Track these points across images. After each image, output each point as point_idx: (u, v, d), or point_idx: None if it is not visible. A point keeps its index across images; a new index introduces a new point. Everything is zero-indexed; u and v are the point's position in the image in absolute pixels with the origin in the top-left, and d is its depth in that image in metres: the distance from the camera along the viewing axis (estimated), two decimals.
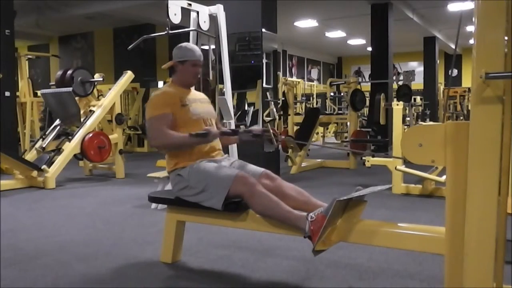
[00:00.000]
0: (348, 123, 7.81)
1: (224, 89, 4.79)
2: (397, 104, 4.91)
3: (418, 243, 1.95)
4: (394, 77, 10.67)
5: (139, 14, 11.38)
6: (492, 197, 1.51)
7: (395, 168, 4.60)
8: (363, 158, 5.28)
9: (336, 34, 15.17)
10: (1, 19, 7.05)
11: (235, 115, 5.25)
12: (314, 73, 20.14)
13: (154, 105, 2.52)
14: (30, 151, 5.91)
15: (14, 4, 7.53)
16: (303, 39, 15.87)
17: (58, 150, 5.73)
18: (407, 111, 8.25)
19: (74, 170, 6.57)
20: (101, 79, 6.53)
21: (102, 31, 13.95)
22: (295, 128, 8.55)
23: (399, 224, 2.08)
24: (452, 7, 11.43)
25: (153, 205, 4.08)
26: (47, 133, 6.00)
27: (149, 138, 2.56)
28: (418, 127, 1.83)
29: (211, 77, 5.30)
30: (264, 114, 6.29)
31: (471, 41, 1.82)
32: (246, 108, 6.32)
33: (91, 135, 5.74)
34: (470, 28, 8.92)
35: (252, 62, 5.87)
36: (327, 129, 13.16)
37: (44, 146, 5.73)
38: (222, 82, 4.78)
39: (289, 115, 9.00)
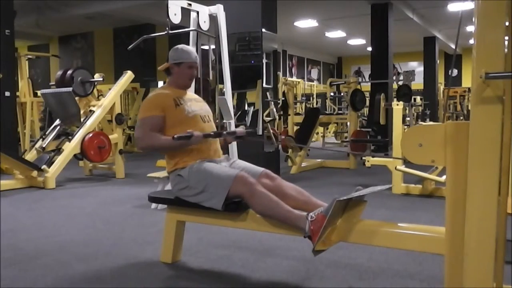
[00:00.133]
0: (348, 123, 7.81)
1: (224, 89, 4.79)
2: (397, 104, 4.91)
3: (418, 243, 1.95)
4: (394, 77, 10.67)
5: (139, 14, 11.38)
6: (492, 197, 1.51)
7: (395, 168, 4.60)
8: (363, 158, 5.29)
9: (336, 34, 15.17)
10: (1, 19, 7.05)
11: (235, 115, 5.25)
12: (314, 73, 20.14)
13: (144, 107, 2.56)
14: (30, 151, 5.91)
15: (14, 4, 7.53)
16: (303, 39, 15.87)
17: (58, 150, 5.73)
18: (407, 111, 8.26)
19: (74, 170, 6.57)
20: (101, 79, 6.53)
21: (102, 31, 13.95)
22: (295, 128, 8.55)
23: (399, 224, 2.08)
24: (452, 7, 11.43)
25: (153, 205, 4.08)
26: (47, 133, 6.00)
27: (135, 139, 2.60)
28: (418, 127, 1.83)
29: (211, 77, 5.31)
30: (264, 114, 6.29)
31: (471, 41, 1.82)
32: (246, 108, 6.32)
33: (91, 135, 5.74)
34: (470, 28, 8.93)
35: (252, 62, 5.87)
36: (327, 129, 13.16)
37: (44, 146, 5.73)
38: (222, 82, 4.77)
39: (289, 115, 9.00)
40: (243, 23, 5.80)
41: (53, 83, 6.69)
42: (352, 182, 5.58)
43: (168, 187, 3.89)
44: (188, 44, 4.53)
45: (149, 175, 4.33)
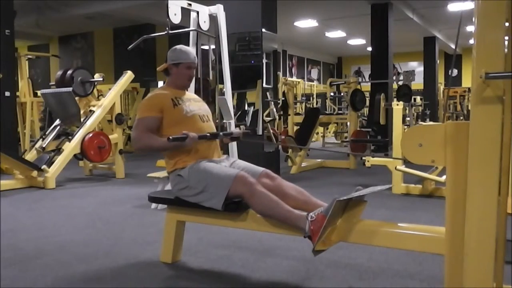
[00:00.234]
0: (348, 123, 7.81)
1: (224, 89, 4.79)
2: (397, 104, 4.91)
3: (418, 243, 1.95)
4: (394, 77, 10.67)
5: (139, 14, 11.38)
6: (492, 197, 1.51)
7: (395, 168, 4.60)
8: (363, 158, 5.29)
9: (336, 34, 15.17)
10: (1, 19, 7.05)
11: (235, 115, 5.25)
12: (314, 73, 20.14)
13: (142, 108, 2.57)
14: (30, 151, 5.91)
15: (14, 4, 7.53)
16: (303, 39, 15.87)
17: (58, 150, 5.73)
18: (407, 111, 8.26)
19: (74, 170, 6.57)
20: (101, 79, 6.53)
21: (102, 31, 13.95)
22: (295, 128, 8.55)
23: (399, 224, 2.08)
24: (452, 7, 11.43)
25: (153, 205, 4.08)
26: (47, 133, 6.00)
27: (131, 139, 2.59)
28: (418, 127, 1.83)
29: (211, 77, 5.31)
30: (264, 114, 6.29)
31: (471, 41, 1.82)
32: (246, 108, 6.32)
33: (91, 135, 5.74)
34: (470, 28, 8.93)
35: (252, 62, 5.87)
36: (327, 129, 13.16)
37: (44, 146, 5.73)
38: (222, 82, 4.77)
39: (289, 115, 9.00)
40: (243, 23, 5.80)
41: (53, 83, 6.69)
42: (352, 182, 5.58)
43: (168, 187, 3.89)
44: (188, 44, 4.54)
45: (149, 175, 4.33)
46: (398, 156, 4.56)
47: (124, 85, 6.43)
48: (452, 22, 12.95)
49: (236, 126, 5.01)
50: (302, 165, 6.80)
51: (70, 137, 5.78)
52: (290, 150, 6.72)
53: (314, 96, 15.48)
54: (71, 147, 5.65)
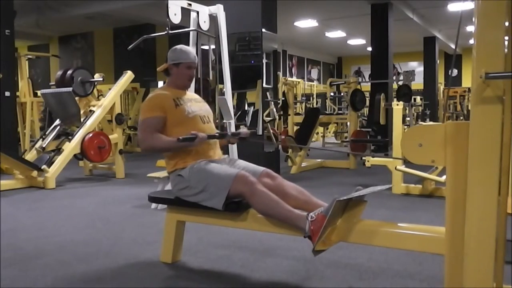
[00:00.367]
0: (348, 123, 7.80)
1: (224, 89, 4.79)
2: (397, 104, 4.91)
3: (418, 243, 1.95)
4: (394, 77, 10.67)
5: (139, 14, 11.38)
6: (492, 197, 1.51)
7: (395, 168, 4.60)
8: (363, 158, 5.29)
9: (336, 34, 15.17)
10: (1, 19, 7.05)
11: (235, 115, 5.25)
12: (314, 73, 20.14)
13: (146, 108, 2.56)
14: (30, 151, 5.91)
15: (14, 4, 7.53)
16: (303, 39, 15.87)
17: (58, 150, 5.73)
18: (407, 111, 8.25)
19: (74, 170, 6.57)
20: (101, 79, 6.53)
21: (102, 31, 13.96)
22: (295, 128, 8.55)
23: (399, 224, 2.08)
24: (452, 7, 11.43)
25: (153, 205, 4.08)
26: (47, 133, 6.00)
27: (138, 140, 2.58)
28: (418, 127, 1.83)
29: (211, 77, 5.31)
30: (264, 114, 6.29)
31: (471, 41, 1.82)
32: (246, 108, 6.32)
33: (91, 135, 5.74)
34: (470, 28, 8.92)
35: (252, 62, 5.87)
36: (327, 129, 13.16)
37: (44, 146, 5.73)
38: (222, 82, 4.77)
39: (289, 115, 9.00)
40: (243, 23, 5.80)
41: (53, 83, 6.69)
42: (352, 182, 5.58)
43: (168, 187, 3.89)
44: (188, 44, 4.54)
45: (149, 175, 4.33)
46: (398, 156, 4.56)
47: (124, 85, 6.43)
48: (452, 22, 12.95)
49: (236, 126, 5.01)
50: (302, 165, 6.80)
51: (70, 137, 5.78)
52: (290, 150, 6.72)
53: (314, 96, 15.48)
54: (71, 147, 5.65)
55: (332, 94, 15.01)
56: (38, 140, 6.01)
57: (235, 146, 4.62)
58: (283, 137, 7.84)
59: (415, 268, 2.50)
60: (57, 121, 6.02)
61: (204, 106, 2.75)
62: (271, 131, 6.64)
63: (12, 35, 7.25)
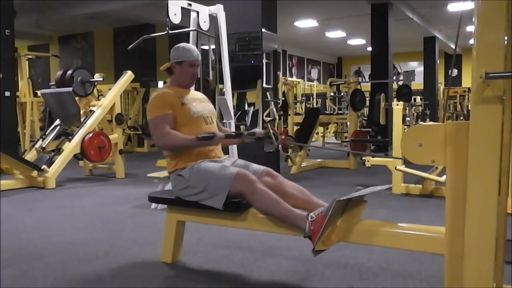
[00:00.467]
0: (348, 123, 7.81)
1: (224, 89, 4.79)
2: (397, 104, 4.91)
3: (418, 243, 1.95)
4: (394, 77, 10.67)
5: (139, 14, 11.38)
6: (492, 197, 1.51)
7: (395, 168, 4.60)
8: (363, 158, 5.29)
9: (336, 34, 15.17)
10: (1, 19, 7.05)
11: (235, 115, 5.25)
12: (314, 73, 20.14)
13: (155, 106, 2.52)
14: (30, 151, 5.91)
15: (14, 4, 7.53)
16: (303, 39, 15.87)
17: (58, 150, 5.73)
18: (407, 111, 8.25)
19: (74, 170, 6.57)
20: (101, 79, 6.54)
21: (102, 31, 13.95)
22: (295, 128, 8.55)
23: (399, 224, 2.08)
24: (452, 7, 11.43)
25: (153, 205, 4.08)
26: (47, 133, 6.00)
27: (154, 139, 2.54)
28: (418, 127, 1.83)
29: (211, 77, 5.31)
30: (264, 114, 6.29)
31: (471, 41, 1.82)
32: (246, 108, 6.32)
33: (91, 135, 5.74)
34: (470, 28, 8.93)
35: (252, 62, 5.87)
36: (327, 129, 13.16)
37: (44, 146, 5.73)
38: (222, 82, 4.78)
39: (289, 115, 9.00)
40: (243, 23, 5.79)
41: (53, 83, 6.69)
42: (352, 182, 5.58)
43: (168, 187, 3.89)
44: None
45: (149, 175, 4.32)
46: (398, 156, 4.56)
47: (124, 85, 6.43)
48: (452, 22, 12.95)
49: (236, 126, 5.01)
50: (302, 165, 6.80)
51: (70, 137, 5.78)
52: (290, 150, 6.72)
53: (314, 96, 15.48)
54: (71, 147, 5.65)
55: (332, 94, 15.01)
56: (38, 140, 6.01)
57: (235, 146, 4.62)
58: (283, 137, 7.84)
59: (415, 268, 2.50)
60: (57, 121, 6.02)
61: (208, 106, 2.73)
62: (271, 131, 6.64)
63: (12, 35, 7.25)
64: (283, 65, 17.22)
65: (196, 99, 2.68)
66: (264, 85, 5.96)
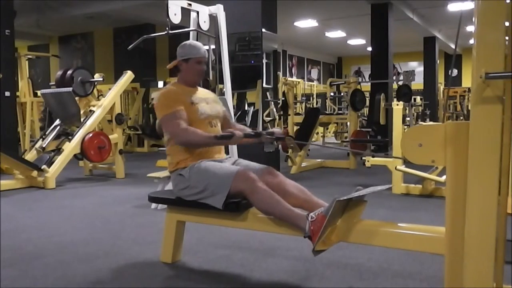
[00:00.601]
0: (348, 123, 7.81)
1: (224, 89, 4.79)
2: (397, 104, 4.91)
3: (418, 243, 1.95)
4: (394, 77, 10.67)
5: (139, 14, 11.38)
6: (492, 197, 1.51)
7: (395, 168, 4.60)
8: (363, 158, 5.29)
9: (336, 34, 15.17)
10: (1, 19, 7.05)
11: (235, 115, 5.25)
12: (314, 73, 20.14)
13: (166, 102, 2.48)
14: (30, 151, 5.91)
15: (14, 4, 7.53)
16: (303, 39, 15.87)
17: (58, 150, 5.73)
18: (407, 111, 8.25)
19: (74, 170, 6.57)
20: (101, 79, 6.54)
21: (102, 31, 13.96)
22: (295, 128, 8.55)
23: (399, 224, 2.08)
24: (452, 7, 11.44)
25: (153, 205, 4.08)
26: (47, 133, 6.00)
27: (171, 135, 2.48)
28: (418, 127, 1.83)
29: (211, 77, 5.31)
30: (264, 114, 6.30)
31: (471, 41, 1.82)
32: (246, 108, 6.32)
33: (91, 135, 5.74)
34: (470, 28, 8.93)
35: (252, 62, 5.87)
36: (327, 129, 13.16)
37: (44, 146, 5.73)
38: (222, 82, 4.78)
39: (289, 115, 8.99)
40: (243, 23, 5.80)
41: (53, 83, 6.69)
42: (352, 182, 5.58)
43: (168, 187, 3.89)
44: None
45: (149, 175, 4.32)
46: (398, 156, 4.56)
47: (124, 85, 6.43)
48: (452, 22, 12.95)
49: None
50: (302, 165, 6.80)
51: (70, 137, 5.78)
52: (290, 150, 6.72)
53: (314, 96, 15.48)
54: (71, 147, 5.65)
55: (332, 94, 15.02)
56: (38, 140, 6.01)
57: (235, 146, 4.62)
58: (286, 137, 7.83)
59: (415, 268, 2.50)
60: (57, 121, 6.02)
61: (215, 108, 2.67)
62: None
63: (12, 35, 7.25)
64: (283, 65, 17.23)
65: (204, 99, 2.64)
66: (264, 85, 5.97)
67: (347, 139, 8.24)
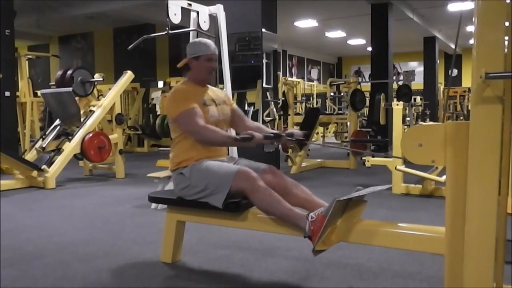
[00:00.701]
0: (348, 123, 7.81)
1: (224, 89, 4.79)
2: (397, 104, 4.91)
3: (418, 243, 1.95)
4: (394, 77, 10.67)
5: (139, 14, 11.38)
6: (492, 197, 1.51)
7: (395, 168, 4.60)
8: (363, 158, 5.28)
9: (336, 34, 15.17)
10: (1, 19, 7.05)
11: None
12: (314, 73, 20.14)
13: (183, 99, 2.45)
14: (30, 151, 5.91)
15: (14, 4, 7.53)
16: (303, 39, 15.87)
17: (58, 150, 5.73)
18: (407, 111, 8.25)
19: (74, 170, 6.57)
20: (101, 79, 6.54)
21: (102, 31, 13.96)
22: (295, 128, 8.55)
23: (399, 224, 2.08)
24: (452, 7, 11.44)
25: (153, 205, 4.08)
26: (47, 133, 6.00)
27: (190, 133, 2.44)
28: (418, 127, 1.83)
29: None
30: (264, 114, 6.30)
31: (471, 41, 1.82)
32: (246, 108, 6.32)
33: (91, 135, 5.74)
34: (470, 28, 8.92)
35: (252, 62, 5.88)
36: (327, 129, 13.15)
37: (44, 146, 5.73)
38: (222, 82, 4.77)
39: (289, 115, 9.01)
40: (243, 23, 5.80)
41: (53, 83, 6.69)
42: (352, 182, 5.58)
43: (168, 187, 3.89)
44: None
45: (149, 175, 4.32)
46: (398, 156, 4.56)
47: (124, 85, 6.43)
48: (452, 22, 12.95)
49: None
50: (302, 165, 6.80)
51: (70, 137, 5.78)
52: (290, 150, 6.72)
53: (314, 96, 15.48)
54: (71, 147, 5.65)
55: (332, 94, 15.02)
56: (38, 140, 6.01)
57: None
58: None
59: (415, 268, 2.50)
60: (57, 121, 6.02)
61: (224, 110, 2.63)
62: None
63: (12, 35, 7.25)
64: (283, 65, 17.23)
65: (213, 102, 2.58)
66: (264, 85, 5.97)
67: (347, 139, 8.24)
